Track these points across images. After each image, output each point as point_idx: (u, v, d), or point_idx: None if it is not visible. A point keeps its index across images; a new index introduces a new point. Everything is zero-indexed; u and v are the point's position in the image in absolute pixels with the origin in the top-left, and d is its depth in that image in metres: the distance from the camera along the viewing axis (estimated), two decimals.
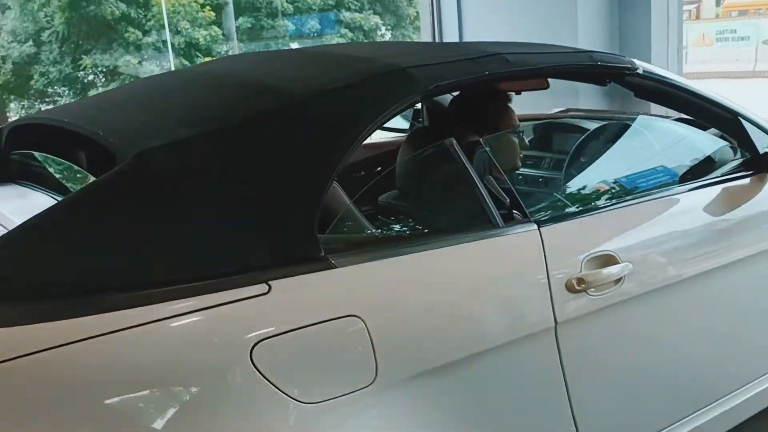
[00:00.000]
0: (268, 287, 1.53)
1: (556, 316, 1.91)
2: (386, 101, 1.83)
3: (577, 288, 1.93)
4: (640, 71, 2.32)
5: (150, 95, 2.15)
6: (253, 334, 1.48)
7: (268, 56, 2.67)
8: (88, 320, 1.36)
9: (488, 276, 1.87)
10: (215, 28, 14.26)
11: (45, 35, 14.78)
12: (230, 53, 14.90)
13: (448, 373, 1.75)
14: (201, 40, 13.99)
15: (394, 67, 1.90)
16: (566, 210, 2.22)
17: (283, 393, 1.48)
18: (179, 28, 14.05)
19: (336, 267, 1.63)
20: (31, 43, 14.94)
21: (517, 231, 1.95)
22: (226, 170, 1.62)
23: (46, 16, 14.87)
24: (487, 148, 2.18)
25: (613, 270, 2.02)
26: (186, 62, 13.76)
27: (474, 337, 1.79)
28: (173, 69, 13.50)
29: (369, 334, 1.60)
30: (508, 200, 2.06)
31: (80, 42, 14.98)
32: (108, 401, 1.35)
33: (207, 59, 14.15)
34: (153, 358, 1.41)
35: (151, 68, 13.61)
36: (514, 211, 2.03)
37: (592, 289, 1.98)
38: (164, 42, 14.29)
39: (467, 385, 1.79)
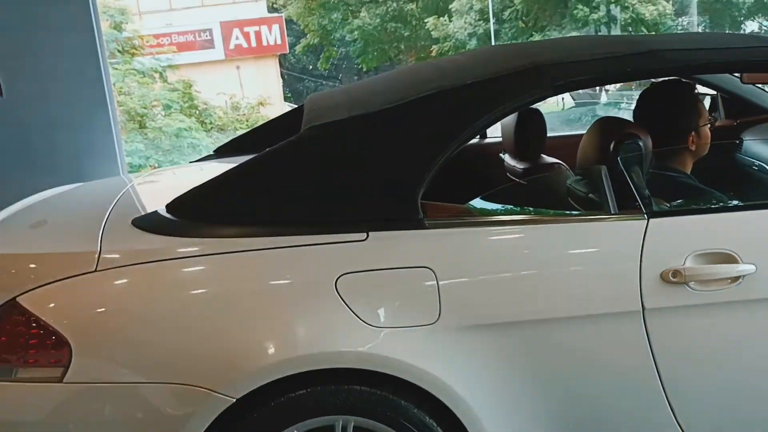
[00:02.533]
0: (366, 235, 2.06)
1: (644, 302, 2.06)
2: (509, 96, 2.18)
3: (672, 280, 2.04)
4: None
5: (387, 81, 2.73)
6: (341, 268, 2.03)
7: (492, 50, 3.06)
8: (238, 241, 2.07)
9: (581, 255, 2.10)
10: (663, 2, 14.10)
11: (507, 13, 16.16)
12: (679, 29, 14.54)
13: (513, 331, 2.06)
14: (647, 15, 13.98)
15: (530, 65, 2.22)
16: (692, 206, 2.28)
17: (354, 314, 2.00)
18: (626, 3, 14.22)
19: (426, 228, 2.08)
20: (494, 20, 16.48)
21: (624, 220, 2.13)
22: (360, 146, 2.16)
23: None
24: (639, 142, 2.34)
25: (723, 268, 2.06)
26: None
27: (543, 305, 2.07)
28: None
29: (438, 285, 2.02)
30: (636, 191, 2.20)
31: (536, 19, 16.05)
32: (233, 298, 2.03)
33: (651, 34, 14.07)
34: (275, 270, 2.05)
35: None
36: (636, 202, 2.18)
37: (694, 283, 2.06)
38: (612, 18, 14.61)
39: (533, 346, 2.07)
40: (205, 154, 3.23)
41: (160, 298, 2.00)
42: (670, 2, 14.82)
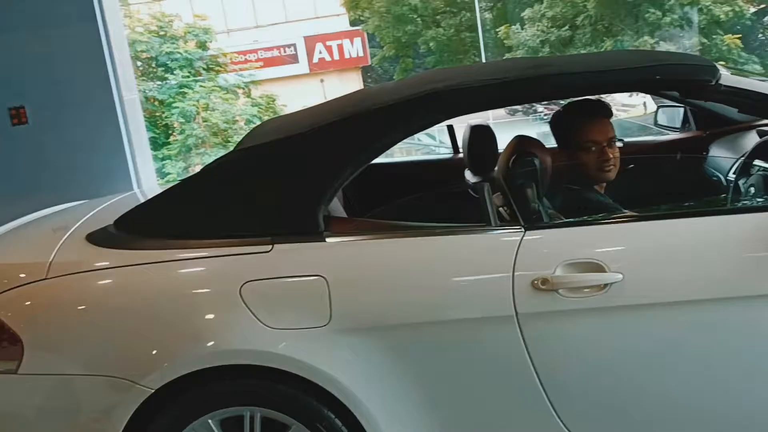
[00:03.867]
0: (271, 247, 2.33)
1: (517, 307, 2.25)
2: (411, 123, 2.42)
3: (542, 287, 2.23)
4: (721, 83, 2.32)
5: (321, 106, 2.98)
6: (246, 276, 2.31)
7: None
8: (158, 253, 2.38)
9: (456, 265, 2.31)
10: (740, 2, 13.70)
11: (580, 19, 16.04)
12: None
13: (402, 333, 2.29)
14: (723, 16, 13.63)
15: (427, 91, 2.44)
16: (566, 219, 2.44)
17: (257, 318, 2.27)
18: (700, 6, 13.90)
19: (324, 241, 2.33)
20: (567, 27, 16.39)
21: (502, 232, 2.33)
22: (269, 169, 2.44)
23: (582, 0, 16.13)
24: (535, 160, 2.53)
25: (590, 276, 2.23)
26: (705, 40, 13.61)
27: (425, 309, 2.28)
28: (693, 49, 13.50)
29: (329, 291, 2.27)
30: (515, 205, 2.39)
31: (610, 24, 15.87)
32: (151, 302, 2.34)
33: (727, 37, 13.72)
34: (185, 279, 2.36)
35: (666, 47, 13.87)
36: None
37: (563, 290, 2.23)
38: (687, 20, 14.30)
39: (417, 348, 2.29)
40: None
41: (93, 303, 2.34)
42: (755, 1, 14.37)
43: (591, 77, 2.41)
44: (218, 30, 21.00)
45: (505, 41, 16.56)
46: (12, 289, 2.38)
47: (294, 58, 22.31)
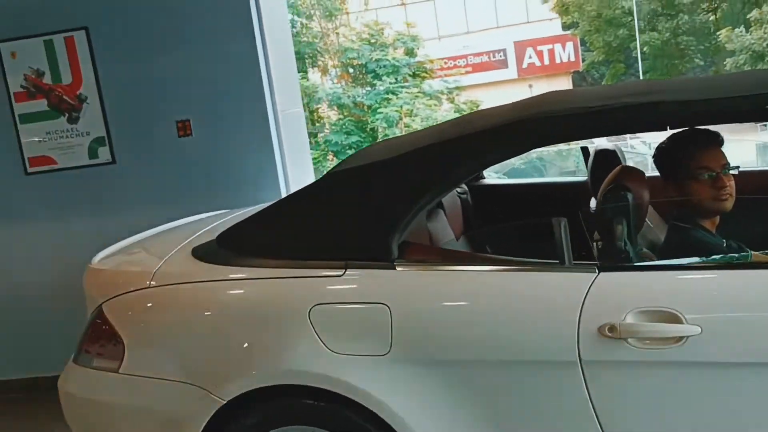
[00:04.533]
0: (343, 271, 2.38)
1: (581, 354, 2.11)
2: (491, 153, 2.37)
3: (608, 334, 2.07)
4: None
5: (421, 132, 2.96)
6: (316, 299, 2.37)
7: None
8: (244, 270, 2.51)
9: (521, 303, 2.21)
10: None
11: None
12: None
13: (461, 368, 2.22)
14: None
15: (514, 119, 2.36)
16: (645, 262, 2.22)
17: (320, 340, 2.32)
18: None
19: (394, 268, 2.33)
20: None
21: (574, 272, 2.20)
22: (348, 193, 2.47)
23: None
24: (627, 194, 2.36)
25: (664, 327, 2.05)
26: None
27: (482, 347, 2.20)
28: None
29: (391, 320, 2.27)
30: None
31: None
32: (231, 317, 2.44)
33: None
34: (261, 297, 2.45)
35: None
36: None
37: (632, 340, 2.07)
38: None
39: (474, 387, 2.21)
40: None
41: (181, 314, 2.52)
42: None
43: (706, 105, 2.20)
44: (429, 37, 21.47)
45: (726, 45, 15.41)
46: (121, 294, 2.63)
47: (503, 64, 22.25)
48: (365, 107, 16.88)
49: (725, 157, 2.51)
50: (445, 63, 21.40)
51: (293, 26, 17.56)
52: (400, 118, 15.61)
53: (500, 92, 19.82)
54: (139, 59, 4.34)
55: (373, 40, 17.56)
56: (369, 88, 17.23)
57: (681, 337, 2.03)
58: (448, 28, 22.57)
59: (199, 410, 2.40)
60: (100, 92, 4.38)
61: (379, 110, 16.04)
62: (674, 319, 2.04)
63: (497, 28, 22.52)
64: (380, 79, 16.91)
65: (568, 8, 18.69)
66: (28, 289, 4.59)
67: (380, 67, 17.05)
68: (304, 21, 17.50)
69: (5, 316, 4.68)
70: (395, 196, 2.37)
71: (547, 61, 22.03)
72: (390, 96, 16.19)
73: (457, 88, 18.41)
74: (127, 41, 4.34)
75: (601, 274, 2.15)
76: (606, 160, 3.09)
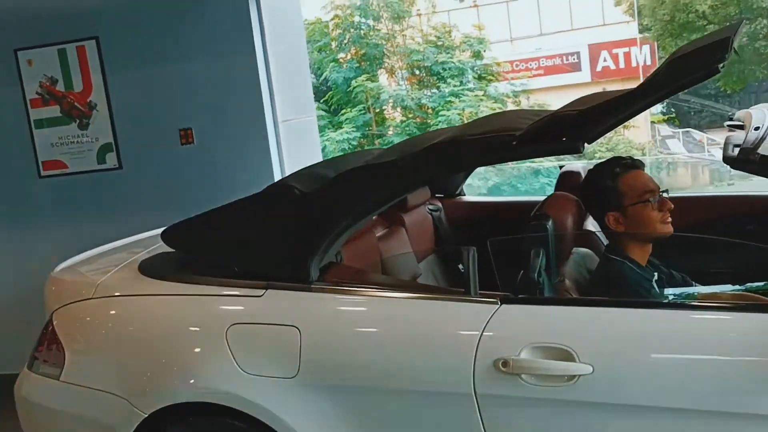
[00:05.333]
0: (264, 291, 2.39)
1: (476, 387, 2.06)
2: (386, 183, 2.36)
3: (503, 369, 2.02)
4: None
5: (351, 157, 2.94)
6: (234, 318, 2.38)
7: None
8: (175, 286, 2.55)
9: (421, 332, 2.17)
10: None
11: None
12: None
13: (364, 395, 2.20)
14: None
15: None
16: (545, 296, 2.16)
17: (234, 359, 2.33)
18: None
19: (310, 290, 2.33)
20: None
21: (477, 302, 2.15)
22: (274, 217, 2.48)
23: None
24: (547, 223, 2.30)
25: (556, 365, 1.98)
26: None
27: (383, 375, 2.17)
28: None
29: (300, 343, 2.27)
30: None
31: None
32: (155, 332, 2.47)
33: None
34: (184, 313, 2.48)
35: None
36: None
37: (526, 376, 2.01)
38: None
39: (376, 414, 2.18)
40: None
41: (112, 326, 2.60)
42: None
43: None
44: (501, 38, 21.24)
45: None
46: (67, 304, 2.71)
47: (576, 67, 21.82)
48: (428, 109, 16.86)
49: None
50: (516, 65, 21.12)
51: (360, 28, 17.64)
52: (462, 121, 15.52)
53: (572, 95, 19.42)
54: (145, 68, 4.47)
55: (439, 43, 17.50)
56: (435, 90, 17.19)
57: (573, 376, 1.97)
58: (521, 30, 22.27)
59: (125, 422, 2.46)
60: (109, 100, 4.52)
61: (441, 113, 15.98)
62: (567, 356, 1.98)
63: (571, 30, 22.09)
64: (445, 82, 16.85)
65: (640, 11, 18.15)
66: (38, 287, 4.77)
67: (445, 70, 16.99)
68: (372, 23, 17.56)
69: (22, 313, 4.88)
70: (313, 219, 2.37)
71: (622, 64, 21.48)
72: (453, 99, 16.11)
73: (525, 91, 18.15)
74: (134, 51, 4.47)
75: (503, 306, 2.11)
76: (569, 181, 3.00)
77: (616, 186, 2.41)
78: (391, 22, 17.79)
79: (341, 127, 16.52)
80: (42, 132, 4.65)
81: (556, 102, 17.53)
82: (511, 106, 17.06)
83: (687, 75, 1.91)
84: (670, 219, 2.39)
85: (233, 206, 2.63)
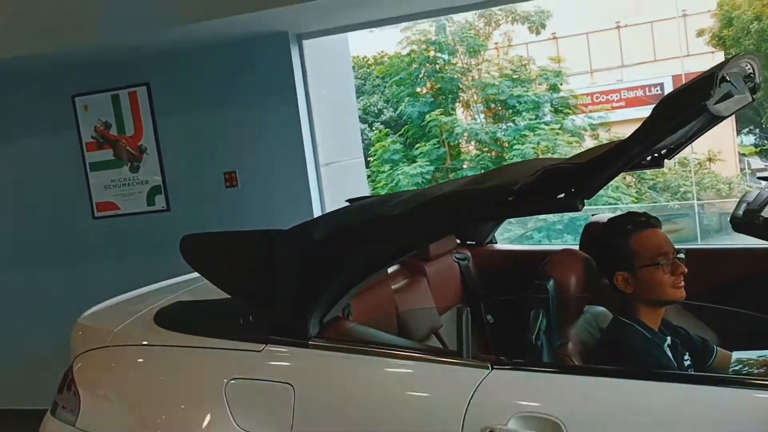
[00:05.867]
0: (263, 347, 2.38)
1: None
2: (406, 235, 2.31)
3: None
4: None
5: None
6: (234, 373, 2.38)
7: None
8: (183, 337, 2.56)
9: (417, 395, 2.11)
10: None
11: None
12: None
13: None
14: None
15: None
16: (540, 361, 2.04)
17: (231, 415, 2.32)
18: None
19: (307, 348, 2.31)
20: None
21: (468, 366, 2.08)
22: (274, 272, 2.46)
23: None
24: (548, 284, 2.21)
25: None
26: None
27: None
28: None
29: (294, 401, 2.24)
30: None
31: None
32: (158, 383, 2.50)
33: None
34: (186, 367, 2.49)
35: None
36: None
37: None
38: None
39: None
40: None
41: (122, 375, 2.63)
42: None
43: None
44: (581, 71, 20.92)
45: None
46: (86, 351, 2.78)
47: (659, 98, 21.23)
48: (503, 143, 16.71)
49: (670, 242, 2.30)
50: (596, 98, 20.75)
51: (435, 63, 17.70)
52: (537, 155, 15.32)
53: None
54: (192, 113, 4.60)
55: (515, 76, 17.37)
56: (511, 124, 17.05)
57: None
58: (602, 62, 21.91)
59: None
60: (158, 143, 4.66)
61: (515, 146, 15.81)
62: (555, 429, 1.89)
63: (654, 61, 21.58)
64: (520, 115, 16.68)
65: (725, 42, 17.59)
66: None
67: (520, 103, 16.82)
68: (447, 57, 17.60)
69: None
70: (311, 275, 2.36)
71: None
72: (528, 133, 15.92)
73: (603, 124, 17.78)
74: (182, 96, 4.61)
75: (494, 371, 2.04)
76: (594, 234, 2.89)
77: (627, 244, 2.30)
78: (467, 56, 17.79)
79: (415, 161, 16.53)
80: (96, 174, 4.83)
81: None
82: (588, 140, 16.74)
83: (674, 116, 1.83)
84: (682, 284, 2.27)
85: (254, 235, 2.57)
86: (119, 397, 2.62)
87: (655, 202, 16.97)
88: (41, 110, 4.88)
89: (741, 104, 2.60)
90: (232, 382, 2.34)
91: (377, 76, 20.89)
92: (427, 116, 16.87)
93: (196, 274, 3.52)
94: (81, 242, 4.96)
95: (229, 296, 2.67)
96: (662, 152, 3.03)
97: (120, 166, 4.77)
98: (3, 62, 4.33)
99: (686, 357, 2.34)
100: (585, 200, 2.01)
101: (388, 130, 18.70)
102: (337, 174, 4.72)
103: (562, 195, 2.04)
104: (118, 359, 2.67)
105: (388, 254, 2.33)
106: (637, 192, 16.89)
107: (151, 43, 4.33)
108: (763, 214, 1.92)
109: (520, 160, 15.11)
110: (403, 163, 16.99)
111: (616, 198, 15.46)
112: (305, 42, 4.51)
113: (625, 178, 16.06)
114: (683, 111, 1.83)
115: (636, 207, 15.10)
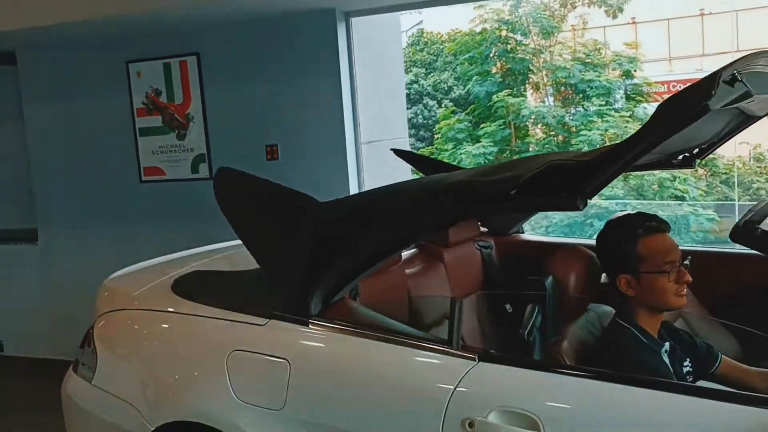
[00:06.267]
0: (267, 321, 2.43)
1: None
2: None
3: (468, 430, 1.96)
4: None
5: None
6: (236, 344, 2.44)
7: None
8: (194, 306, 2.63)
9: (405, 381, 2.13)
10: None
11: None
12: None
13: None
14: None
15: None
16: (523, 358, 2.12)
17: (230, 385, 2.39)
18: None
19: (307, 326, 2.35)
20: None
21: (456, 357, 2.09)
22: (282, 251, 2.50)
23: None
24: (546, 281, 2.19)
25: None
26: None
27: (356, 419, 2.15)
28: None
29: (289, 377, 2.29)
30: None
31: None
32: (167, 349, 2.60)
33: None
34: (198, 334, 2.57)
35: None
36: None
37: None
38: None
39: None
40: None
41: (137, 338, 2.73)
42: None
43: None
44: (659, 57, 20.32)
45: None
46: (107, 312, 2.89)
47: None
48: (571, 128, 16.42)
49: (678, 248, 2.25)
50: (673, 86, 20.15)
51: (507, 43, 17.46)
52: (604, 142, 15.00)
53: None
54: (239, 85, 4.67)
55: (587, 60, 17.00)
56: (580, 108, 16.73)
57: None
58: (682, 49, 21.24)
59: (138, 431, 2.58)
60: (205, 113, 4.76)
61: (582, 132, 15.51)
62: (532, 425, 1.89)
63: (737, 51, 20.79)
64: (590, 100, 16.34)
65: None
66: None
67: (591, 88, 16.47)
68: (519, 37, 17.33)
69: None
70: (318, 254, 2.39)
71: None
72: (596, 119, 15.60)
73: None
74: (230, 68, 4.69)
75: (480, 363, 2.05)
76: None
77: (634, 248, 2.26)
78: (539, 37, 17.49)
79: (479, 141, 16.40)
80: (145, 139, 4.96)
81: None
82: None
83: (676, 116, 1.79)
84: (685, 291, 2.22)
85: (289, 196, 2.57)
86: (131, 359, 2.72)
87: (726, 197, 16.45)
88: (96, 74, 5.04)
89: None
90: (234, 353, 2.41)
91: (449, 53, 20.71)
92: (494, 96, 16.68)
93: (225, 244, 3.62)
94: (128, 205, 5.11)
95: (240, 270, 2.75)
96: (694, 152, 2.96)
97: (167, 132, 4.89)
98: (62, 27, 4.47)
99: (686, 363, 2.30)
100: (587, 200, 1.98)
101: (454, 107, 18.57)
102: (380, 153, 4.73)
103: (564, 193, 2.02)
104: (134, 322, 2.77)
105: (395, 240, 2.35)
106: (707, 186, 16.39)
107: (203, 14, 4.41)
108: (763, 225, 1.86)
109: (586, 146, 14.84)
110: (467, 142, 16.87)
111: (683, 190, 15.04)
112: (353, 20, 4.51)
113: (697, 170, 15.64)
114: (684, 111, 1.79)
115: (704, 201, 14.69)
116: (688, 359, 2.30)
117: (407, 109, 20.73)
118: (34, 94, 5.25)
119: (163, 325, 2.68)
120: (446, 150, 16.67)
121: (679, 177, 14.82)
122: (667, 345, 2.24)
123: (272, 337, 2.39)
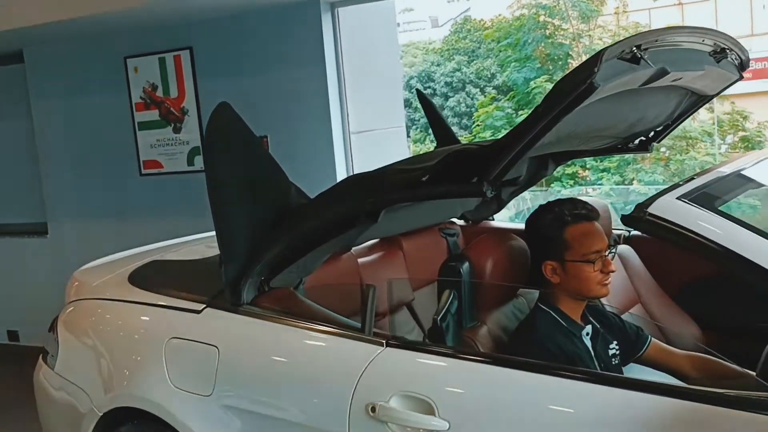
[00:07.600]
0: (203, 308, 2.48)
1: (350, 428, 2.02)
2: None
3: (371, 414, 1.97)
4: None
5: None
6: (174, 332, 2.49)
7: None
8: (141, 293, 2.69)
9: (320, 367, 2.16)
10: None
11: None
12: None
13: (268, 422, 2.21)
14: None
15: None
16: (426, 343, 2.15)
17: (167, 372, 2.44)
18: None
19: (237, 314, 2.39)
20: None
21: (366, 342, 2.10)
22: (220, 239, 2.52)
23: None
24: (461, 267, 2.19)
25: (411, 416, 1.90)
26: None
27: (272, 405, 2.21)
28: None
29: (217, 363, 2.33)
30: None
31: None
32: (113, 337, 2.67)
33: None
34: (134, 323, 2.63)
35: None
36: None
37: (393, 425, 1.95)
38: None
39: None
40: None
41: (88, 327, 2.81)
42: None
43: None
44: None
45: None
46: (71, 302, 2.98)
47: None
48: None
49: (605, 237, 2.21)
50: None
51: (545, 28, 17.23)
52: None
53: None
54: (230, 78, 4.74)
55: None
56: None
57: (429, 431, 1.88)
58: (729, 30, 20.58)
59: (89, 417, 2.66)
60: (199, 106, 4.83)
61: None
62: (428, 409, 1.90)
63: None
64: None
65: None
66: None
67: None
68: (558, 22, 17.08)
69: None
70: (247, 244, 2.42)
71: None
72: None
73: (723, 96, 16.84)
74: (221, 61, 4.76)
75: (387, 348, 2.06)
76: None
77: (561, 235, 2.23)
78: (579, 21, 17.20)
79: None
80: (144, 133, 5.06)
81: (760, 108, 16.08)
82: (703, 113, 15.90)
83: (565, 96, 1.77)
84: (609, 281, 2.19)
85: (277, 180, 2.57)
86: (82, 347, 2.80)
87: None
88: (96, 70, 5.16)
89: (728, 82, 2.46)
90: (171, 341, 2.46)
91: (491, 40, 20.52)
92: (532, 82, 16.49)
93: (202, 235, 3.68)
94: (129, 198, 5.23)
95: (199, 259, 2.80)
96: (650, 135, 2.90)
97: (164, 126, 4.98)
98: (62, 24, 4.59)
99: (613, 346, 2.27)
100: (494, 185, 1.97)
101: (493, 94, 18.40)
102: (372, 142, 4.75)
103: (474, 179, 2.01)
104: (90, 312, 2.85)
105: (325, 231, 2.36)
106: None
107: (194, 7, 4.48)
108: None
109: None
110: (506, 129, 16.73)
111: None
112: (340, 9, 4.52)
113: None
114: (573, 90, 1.77)
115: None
116: (615, 341, 2.27)
117: (449, 98, 20.48)
118: (42, 92, 5.41)
119: (113, 314, 2.75)
120: (484, 138, 16.57)
121: (722, 160, 14.43)
122: (588, 328, 2.22)
123: (205, 324, 2.44)
